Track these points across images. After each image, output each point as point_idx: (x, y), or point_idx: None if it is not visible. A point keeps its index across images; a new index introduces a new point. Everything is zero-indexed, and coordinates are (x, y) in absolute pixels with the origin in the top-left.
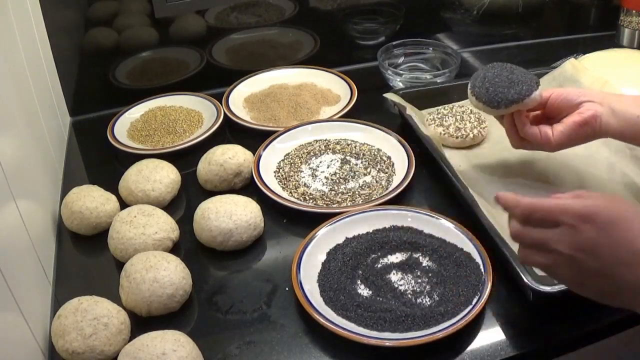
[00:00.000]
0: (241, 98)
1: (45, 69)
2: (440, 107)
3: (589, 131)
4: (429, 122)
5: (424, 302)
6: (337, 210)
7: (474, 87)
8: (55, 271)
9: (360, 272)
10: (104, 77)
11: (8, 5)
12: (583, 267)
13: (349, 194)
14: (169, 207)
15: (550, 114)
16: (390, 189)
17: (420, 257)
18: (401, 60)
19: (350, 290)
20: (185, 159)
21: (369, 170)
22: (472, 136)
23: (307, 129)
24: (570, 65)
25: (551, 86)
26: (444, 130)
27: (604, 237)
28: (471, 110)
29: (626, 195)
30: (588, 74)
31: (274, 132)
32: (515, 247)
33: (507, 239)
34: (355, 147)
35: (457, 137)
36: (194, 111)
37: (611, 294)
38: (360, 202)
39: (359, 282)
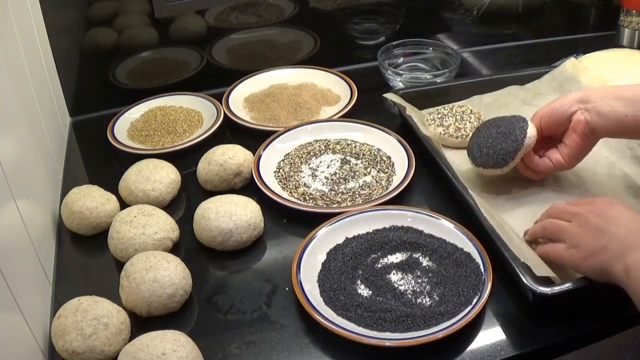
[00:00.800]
0: (241, 98)
1: (45, 69)
2: (440, 107)
3: (590, 138)
4: (429, 122)
5: (424, 302)
6: (337, 210)
7: (475, 159)
8: (55, 271)
9: (360, 272)
10: (104, 77)
11: (8, 5)
12: (589, 225)
13: (349, 194)
14: (169, 207)
15: (549, 133)
16: (390, 189)
17: (420, 257)
18: (401, 60)
19: (350, 290)
20: (185, 159)
21: (369, 170)
22: None
23: (307, 129)
24: (571, 65)
25: (551, 86)
26: (443, 130)
27: (611, 207)
28: (471, 110)
29: (626, 193)
30: (588, 73)
31: (274, 132)
32: (514, 248)
33: (506, 239)
34: (355, 147)
35: (457, 137)
36: (194, 111)
37: (599, 251)
38: (360, 202)
39: (359, 282)
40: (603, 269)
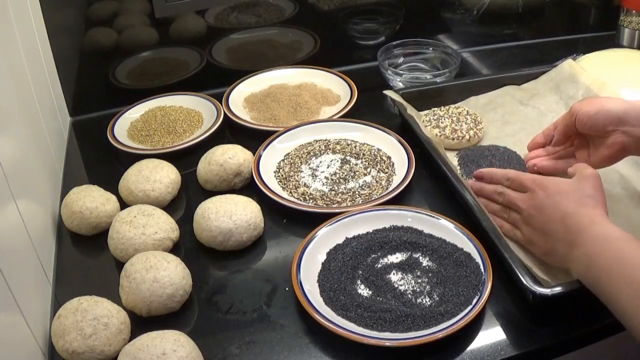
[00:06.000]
0: (241, 98)
1: (45, 69)
2: (436, 109)
3: (621, 156)
4: (425, 123)
5: (424, 302)
6: (337, 210)
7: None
8: (55, 271)
9: (360, 272)
10: (104, 77)
11: (8, 5)
12: (534, 224)
13: (349, 194)
14: (169, 207)
15: (581, 131)
16: (390, 189)
17: (420, 257)
18: (401, 60)
19: (350, 290)
20: (185, 159)
21: (369, 170)
22: (469, 137)
23: (307, 129)
24: (568, 66)
25: (548, 86)
26: (439, 132)
27: (548, 200)
28: (467, 112)
29: (623, 197)
30: (586, 74)
31: (274, 132)
32: (516, 249)
33: (507, 239)
34: (355, 147)
35: (453, 139)
36: (194, 111)
37: (551, 251)
38: (360, 202)
39: (359, 282)
40: (562, 264)
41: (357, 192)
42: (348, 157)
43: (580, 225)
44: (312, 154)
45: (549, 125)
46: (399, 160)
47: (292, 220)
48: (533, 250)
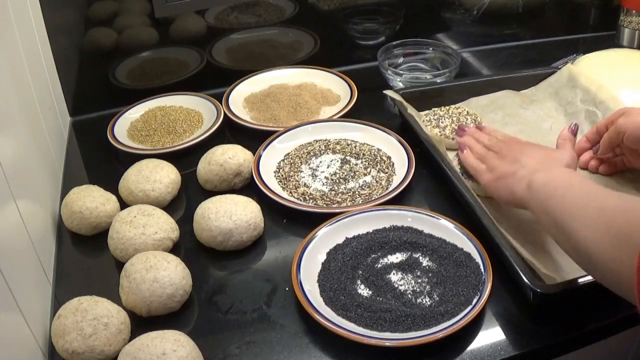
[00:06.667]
0: (241, 98)
1: (45, 69)
2: (436, 109)
3: None
4: (425, 123)
5: (424, 302)
6: (337, 210)
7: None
8: (55, 271)
9: (360, 272)
10: (104, 77)
11: (8, 5)
12: (507, 154)
13: (349, 194)
14: (169, 207)
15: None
16: (390, 189)
17: (420, 257)
18: (401, 60)
19: (350, 290)
20: (185, 159)
21: (369, 170)
22: None
23: (307, 129)
24: (567, 71)
25: (547, 92)
26: (440, 132)
27: (530, 145)
28: (467, 112)
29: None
30: (583, 77)
31: (274, 132)
32: (518, 246)
33: (507, 237)
34: (355, 147)
35: (453, 139)
36: (194, 111)
37: (509, 174)
38: (360, 202)
39: (359, 282)
40: (511, 189)
41: (357, 192)
42: (348, 157)
43: (555, 163)
44: (312, 154)
45: (591, 128)
46: (399, 160)
47: (292, 220)
48: (484, 177)
